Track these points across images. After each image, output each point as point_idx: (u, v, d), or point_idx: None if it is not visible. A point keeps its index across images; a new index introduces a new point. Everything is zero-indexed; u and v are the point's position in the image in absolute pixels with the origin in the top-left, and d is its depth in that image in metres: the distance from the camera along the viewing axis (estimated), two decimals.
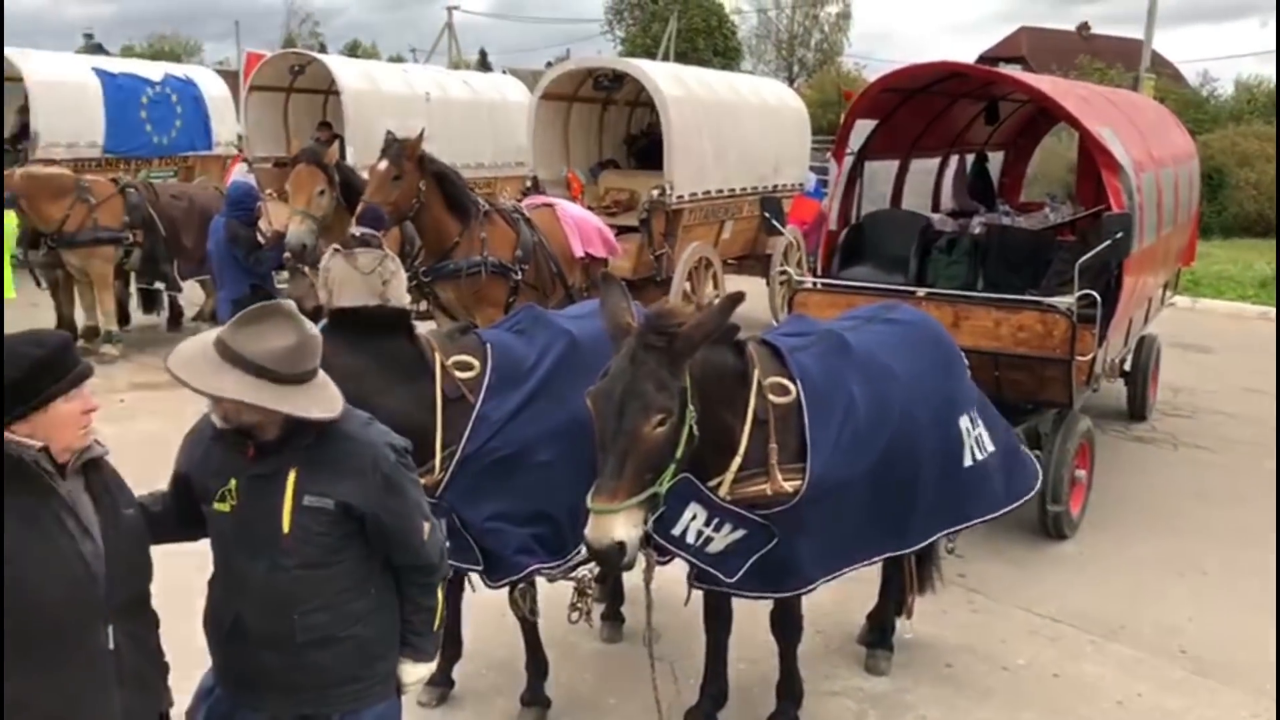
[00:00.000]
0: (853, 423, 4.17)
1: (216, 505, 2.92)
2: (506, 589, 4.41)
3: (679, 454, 3.56)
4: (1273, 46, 55.15)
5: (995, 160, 11.04)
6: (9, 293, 9.86)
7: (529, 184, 11.26)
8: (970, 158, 10.40)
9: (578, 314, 4.95)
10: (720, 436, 3.86)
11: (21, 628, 2.50)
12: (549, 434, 4.27)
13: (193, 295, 12.33)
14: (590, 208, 10.62)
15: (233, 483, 2.90)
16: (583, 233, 9.00)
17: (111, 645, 2.65)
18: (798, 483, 3.98)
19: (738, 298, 3.69)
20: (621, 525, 3.42)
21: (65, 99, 15.62)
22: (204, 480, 2.96)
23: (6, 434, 2.54)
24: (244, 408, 2.81)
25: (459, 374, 4.24)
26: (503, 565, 4.25)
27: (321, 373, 2.96)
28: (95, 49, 47.90)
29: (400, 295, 7.23)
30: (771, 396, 4.04)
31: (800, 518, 4.01)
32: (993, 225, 8.14)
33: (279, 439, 2.88)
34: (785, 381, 4.10)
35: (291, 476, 2.86)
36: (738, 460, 3.94)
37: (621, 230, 10.53)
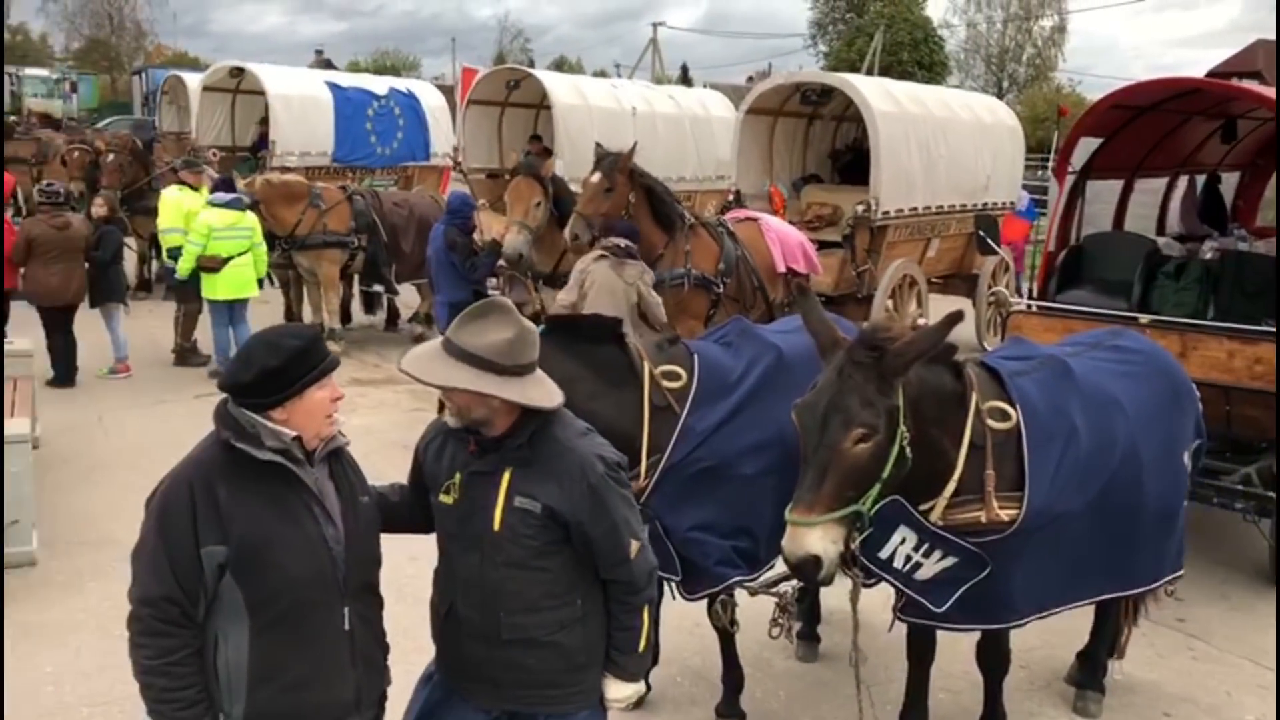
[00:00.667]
0: (1074, 453, 3.99)
1: (442, 497, 3.07)
2: (705, 600, 4.43)
3: (885, 474, 3.48)
4: None
5: (1228, 181, 10.33)
6: (252, 291, 10.53)
7: (731, 197, 11.29)
8: (1201, 179, 9.77)
9: (784, 329, 4.93)
10: (934, 460, 3.76)
11: (275, 604, 2.70)
12: (754, 447, 4.27)
13: (409, 298, 12.95)
14: (793, 222, 10.55)
15: (457, 476, 3.04)
16: (786, 248, 8.95)
17: (347, 626, 2.83)
18: (1014, 512, 3.84)
19: (956, 317, 3.58)
20: (818, 539, 3.37)
21: (301, 111, 16.71)
22: (435, 472, 3.12)
23: (264, 421, 2.74)
24: (472, 401, 2.94)
25: (667, 384, 4.29)
26: (703, 576, 4.27)
27: (539, 369, 3.05)
28: (325, 64, 50.96)
29: (656, 313, 7.37)
30: (990, 421, 3.91)
31: (1015, 549, 3.86)
32: (1227, 250, 7.61)
33: (500, 437, 2.99)
34: (1005, 406, 3.96)
35: (506, 476, 2.96)
36: (952, 485, 3.82)
37: (823, 245, 10.42)
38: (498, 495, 2.95)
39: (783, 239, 9.02)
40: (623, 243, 7.39)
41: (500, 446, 2.99)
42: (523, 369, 2.97)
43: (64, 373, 9.82)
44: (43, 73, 53.27)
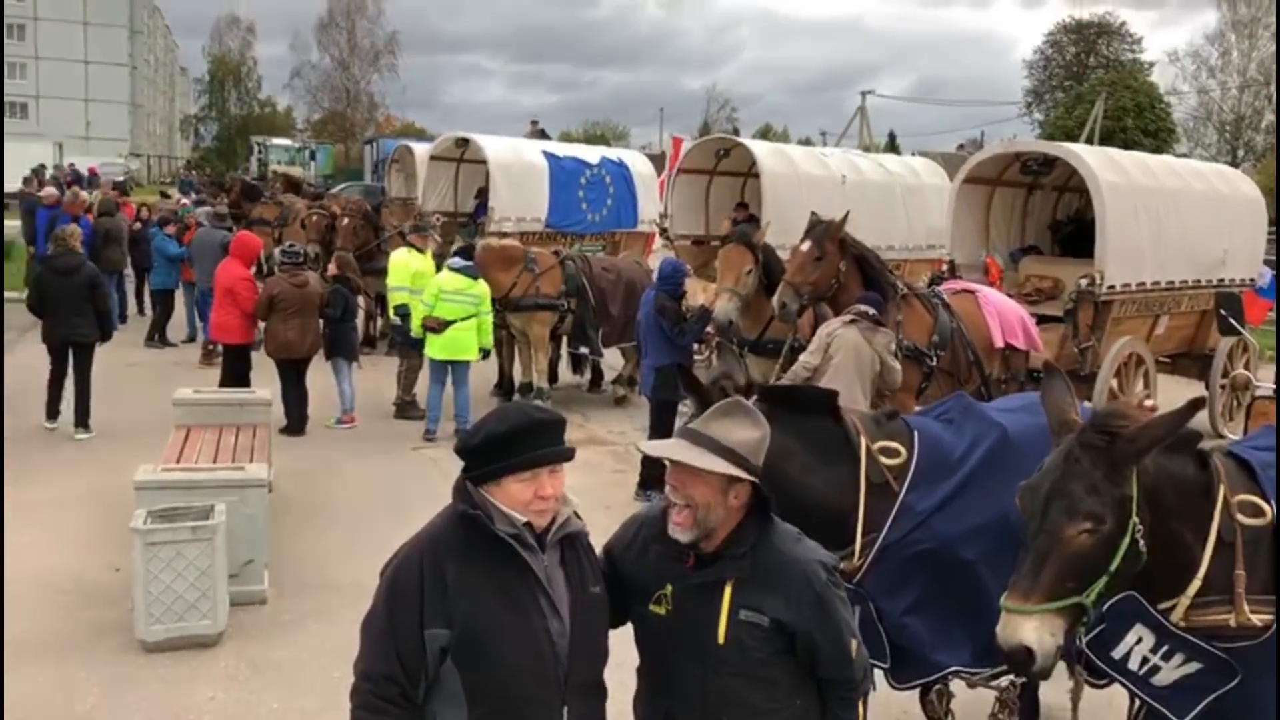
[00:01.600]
0: None
1: (652, 608, 2.96)
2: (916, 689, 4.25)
3: (1114, 566, 3.25)
4: None
5: None
6: (471, 354, 10.79)
7: (945, 268, 11.02)
8: None
9: (1009, 407, 4.73)
10: (1175, 555, 3.49)
11: (493, 695, 2.67)
12: (975, 531, 4.09)
13: (613, 360, 13.19)
14: (1010, 294, 10.18)
15: (668, 588, 2.93)
16: (1004, 322, 8.64)
17: None
18: (1268, 617, 3.51)
19: (1198, 403, 3.37)
20: (1033, 629, 3.17)
21: (519, 179, 17.45)
22: (641, 581, 2.99)
23: (495, 502, 2.70)
24: (714, 499, 2.84)
25: (884, 460, 4.17)
26: (917, 664, 4.10)
27: None
28: (540, 134, 53.47)
29: (893, 382, 7.29)
30: (1240, 516, 3.60)
31: (1271, 657, 3.52)
32: None
33: (718, 550, 2.91)
34: (1258, 501, 3.64)
35: (728, 590, 2.86)
36: (1196, 584, 3.53)
37: (1042, 320, 9.99)
38: (720, 608, 2.86)
39: (1001, 312, 8.71)
40: (870, 310, 7.32)
41: (719, 558, 2.90)
42: (758, 470, 2.91)
43: (296, 422, 10.47)
44: (286, 142, 57.94)
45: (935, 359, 8.24)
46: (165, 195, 26.66)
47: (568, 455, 2.78)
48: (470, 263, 10.87)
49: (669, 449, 2.91)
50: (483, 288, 10.75)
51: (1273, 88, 50.78)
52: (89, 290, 10.14)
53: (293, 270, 10.65)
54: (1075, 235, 11.57)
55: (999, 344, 8.59)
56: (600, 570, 2.93)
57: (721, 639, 2.84)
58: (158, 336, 14.98)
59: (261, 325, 10.56)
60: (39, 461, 9.12)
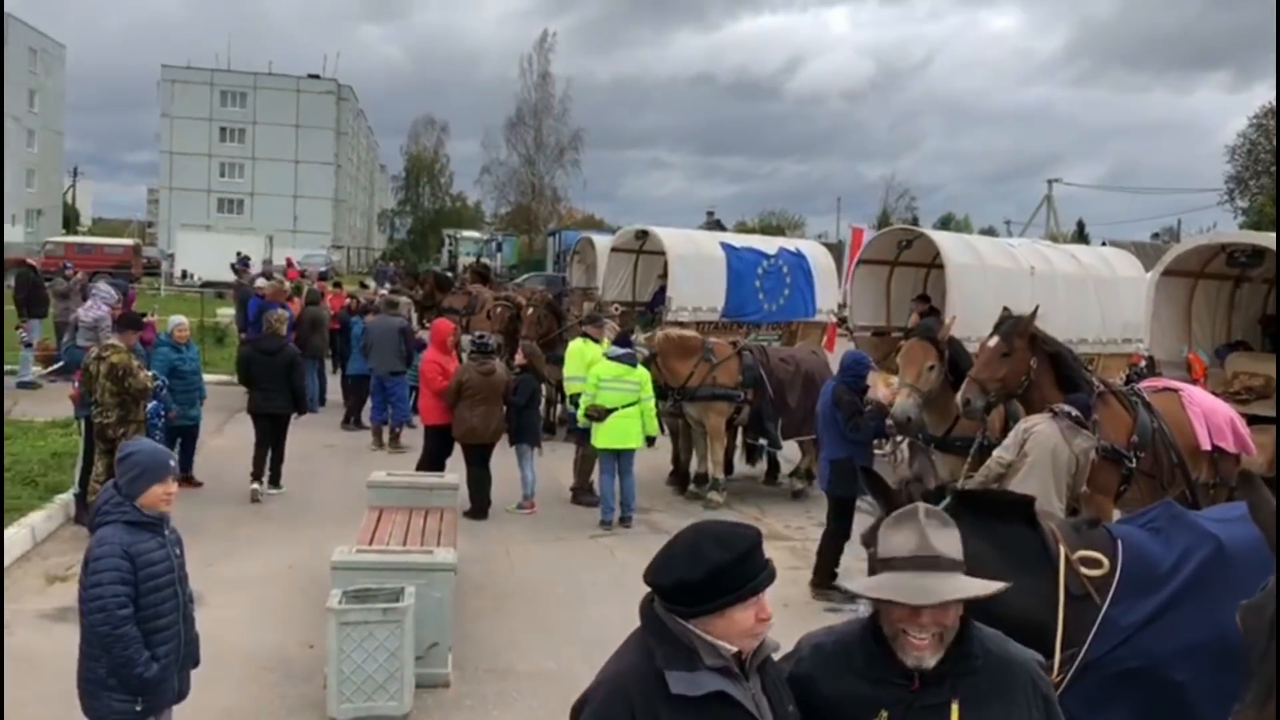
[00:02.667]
0: None
1: None
2: None
3: None
4: None
5: None
6: (635, 443, 10.96)
7: (1143, 364, 10.49)
8: None
9: (1225, 516, 4.42)
10: None
11: None
12: (1187, 650, 3.82)
13: (790, 452, 13.05)
14: (1215, 393, 9.58)
15: (883, 714, 2.67)
16: (1211, 423, 8.12)
17: None
18: None
19: None
20: None
21: (696, 269, 17.73)
22: (844, 711, 2.72)
23: (697, 631, 2.49)
24: (955, 616, 2.65)
25: (1085, 571, 3.96)
26: None
27: None
28: (715, 224, 54.39)
29: (1084, 482, 7.04)
30: None
31: None
32: None
33: (941, 668, 2.66)
34: None
35: (955, 709, 2.64)
36: None
37: (1254, 420, 9.34)
38: None
39: (1208, 412, 8.20)
40: (1074, 411, 7.06)
41: (945, 676, 2.64)
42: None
43: (480, 506, 10.75)
44: (475, 234, 60.69)
45: (1135, 461, 7.80)
46: (364, 285, 28.25)
47: (771, 575, 2.57)
48: (628, 350, 10.99)
49: (900, 591, 2.63)
50: (642, 374, 10.87)
51: None
52: (287, 369, 11.42)
53: (481, 359, 11.06)
54: None
55: (1206, 446, 8.06)
56: (790, 692, 2.70)
57: None
58: (353, 420, 15.72)
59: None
60: (244, 538, 9.67)
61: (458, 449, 11.03)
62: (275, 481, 11.45)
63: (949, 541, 2.70)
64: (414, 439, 13.72)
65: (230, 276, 30.72)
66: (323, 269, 42.65)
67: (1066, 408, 7.04)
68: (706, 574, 2.45)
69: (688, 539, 2.56)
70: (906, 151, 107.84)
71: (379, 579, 6.34)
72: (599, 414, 10.65)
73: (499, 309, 16.50)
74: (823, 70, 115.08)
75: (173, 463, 4.49)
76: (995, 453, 7.17)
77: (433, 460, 10.84)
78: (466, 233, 60.15)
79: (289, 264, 40.56)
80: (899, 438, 9.42)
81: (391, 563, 6.63)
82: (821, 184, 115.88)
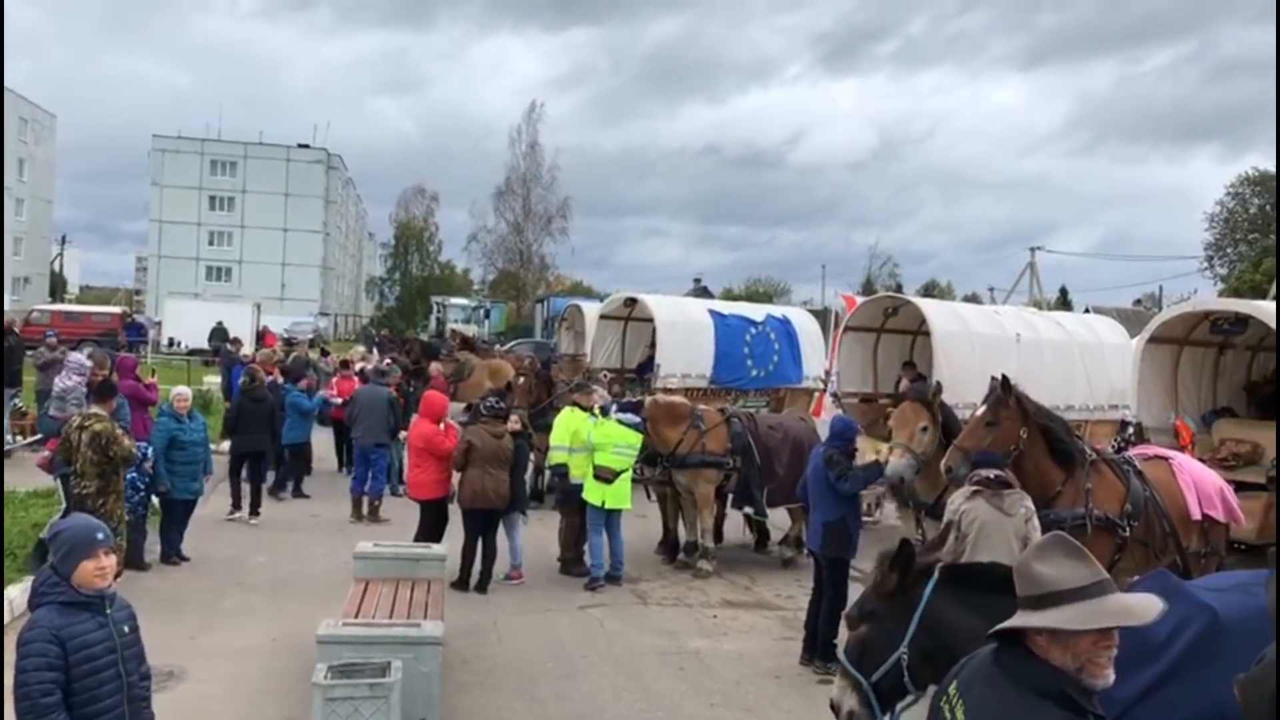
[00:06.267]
0: None
1: None
2: None
3: None
4: None
5: None
6: (627, 504, 11.16)
7: (1130, 431, 10.52)
8: None
9: (1219, 586, 4.40)
10: None
11: None
12: None
13: (779, 519, 12.97)
14: (1202, 459, 9.61)
15: None
16: (1201, 492, 8.12)
17: None
18: None
19: None
20: None
21: (685, 337, 17.83)
22: None
23: None
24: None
25: None
26: None
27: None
28: (702, 291, 54.75)
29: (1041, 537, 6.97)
30: None
31: None
32: None
33: None
34: None
35: None
36: None
37: (1241, 487, 9.37)
38: None
39: (1198, 481, 8.20)
40: (993, 473, 7.04)
41: None
42: None
43: (482, 577, 10.56)
44: (463, 301, 60.93)
45: (1129, 529, 7.79)
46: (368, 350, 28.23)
47: None
48: (640, 419, 11.31)
49: (1133, 610, 2.84)
50: (640, 439, 11.26)
51: None
52: (270, 415, 13.67)
53: (492, 422, 10.97)
54: (1274, 397, 10.91)
55: (1196, 515, 8.06)
56: None
57: None
58: (290, 487, 15.10)
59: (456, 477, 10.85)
60: (227, 610, 9.52)
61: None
62: (255, 511, 13.22)
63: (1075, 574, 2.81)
64: (392, 510, 13.62)
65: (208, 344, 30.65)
66: (310, 336, 42.58)
67: (981, 472, 6.99)
68: None
69: None
70: (903, 220, 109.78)
71: (365, 653, 6.24)
72: (611, 475, 10.89)
73: (522, 380, 16.18)
74: (826, 141, 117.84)
75: (101, 536, 4.23)
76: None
77: (431, 535, 10.66)
78: (454, 300, 60.37)
79: (265, 332, 40.42)
80: (886, 502, 9.36)
81: (378, 636, 6.53)
82: (817, 252, 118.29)
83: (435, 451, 10.91)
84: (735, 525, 13.32)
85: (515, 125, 68.51)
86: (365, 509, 13.97)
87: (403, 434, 14.16)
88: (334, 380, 17.56)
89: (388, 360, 20.95)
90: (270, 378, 15.44)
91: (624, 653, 8.80)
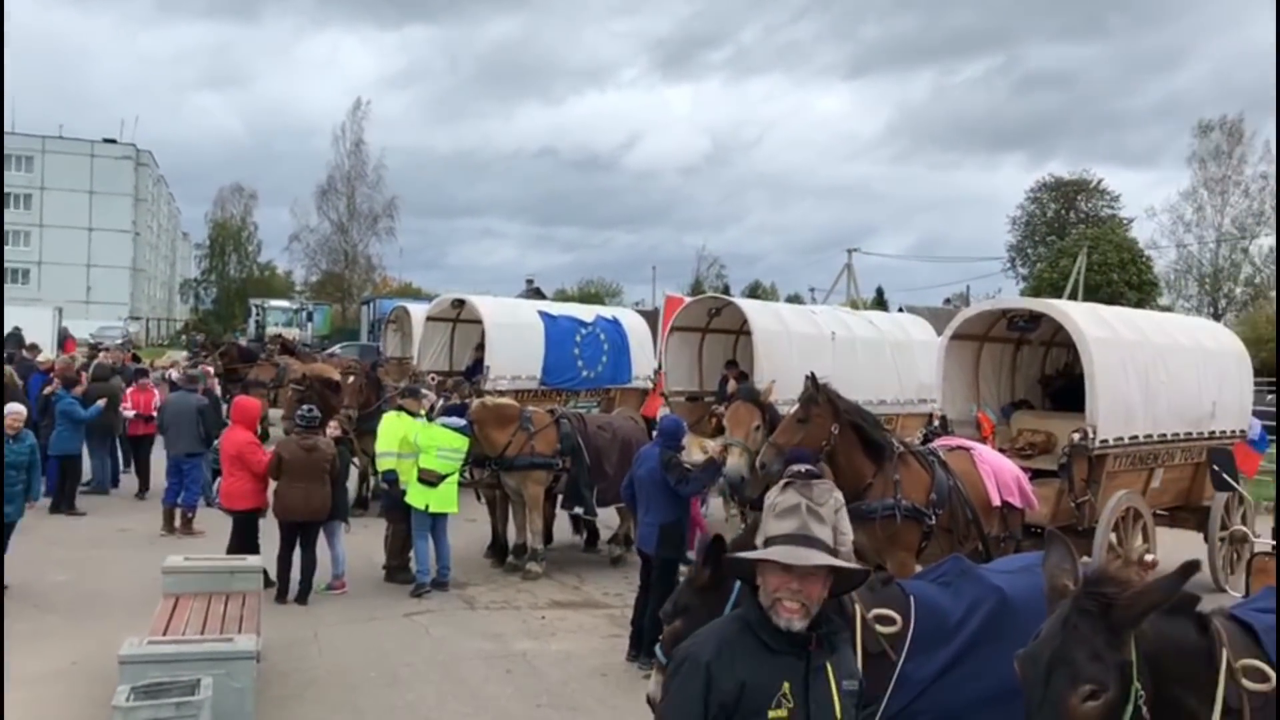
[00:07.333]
0: None
1: (772, 714, 3.05)
2: None
3: None
4: None
5: None
6: (453, 508, 11.02)
7: (936, 423, 11.07)
8: None
9: (1008, 568, 4.70)
10: None
11: None
12: (979, 700, 4.03)
13: (608, 518, 13.06)
14: (1002, 449, 10.21)
15: (786, 686, 3.05)
16: (1000, 480, 8.63)
17: None
18: None
19: (1193, 567, 3.33)
20: None
21: (514, 338, 17.74)
22: (755, 693, 3.06)
23: None
24: (816, 600, 3.11)
25: (881, 629, 4.12)
26: None
27: None
28: (535, 293, 54.53)
29: (848, 528, 7.21)
30: (1246, 682, 3.53)
31: None
32: None
33: (817, 633, 3.13)
34: (1263, 666, 3.57)
35: (829, 668, 3.13)
36: None
37: (1037, 474, 10.00)
38: (831, 687, 3.10)
39: (997, 470, 8.71)
40: (803, 467, 7.28)
41: (818, 640, 3.13)
42: None
43: (302, 589, 10.27)
44: (284, 304, 58.85)
45: (934, 518, 8.19)
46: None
47: None
48: (466, 422, 11.16)
49: (805, 557, 3.12)
50: (466, 442, 11.17)
51: (1248, 241, 52.16)
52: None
53: (304, 434, 10.63)
54: (1066, 390, 11.68)
55: (996, 502, 8.56)
56: None
57: (839, 715, 3.11)
58: (64, 507, 14.07)
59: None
60: (21, 634, 8.89)
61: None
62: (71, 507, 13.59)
63: (824, 531, 3.23)
64: (207, 522, 13.05)
65: None
66: (120, 341, 40.31)
67: (795, 467, 7.28)
68: None
69: None
70: (733, 223, 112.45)
71: (172, 672, 5.97)
72: (436, 479, 10.70)
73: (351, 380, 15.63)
74: (661, 146, 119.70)
75: None
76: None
77: (245, 547, 10.26)
78: (275, 302, 58.21)
79: (65, 335, 37.91)
80: (710, 498, 9.57)
81: (186, 654, 6.26)
82: (650, 253, 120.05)
83: (248, 462, 10.49)
84: (565, 526, 13.36)
85: (339, 123, 66.49)
86: (178, 521, 13.33)
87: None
88: (129, 392, 15.78)
89: (199, 366, 20.04)
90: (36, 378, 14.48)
91: (450, 658, 8.69)
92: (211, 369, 19.52)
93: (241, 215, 71.53)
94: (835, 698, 3.09)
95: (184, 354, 29.00)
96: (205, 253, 72.83)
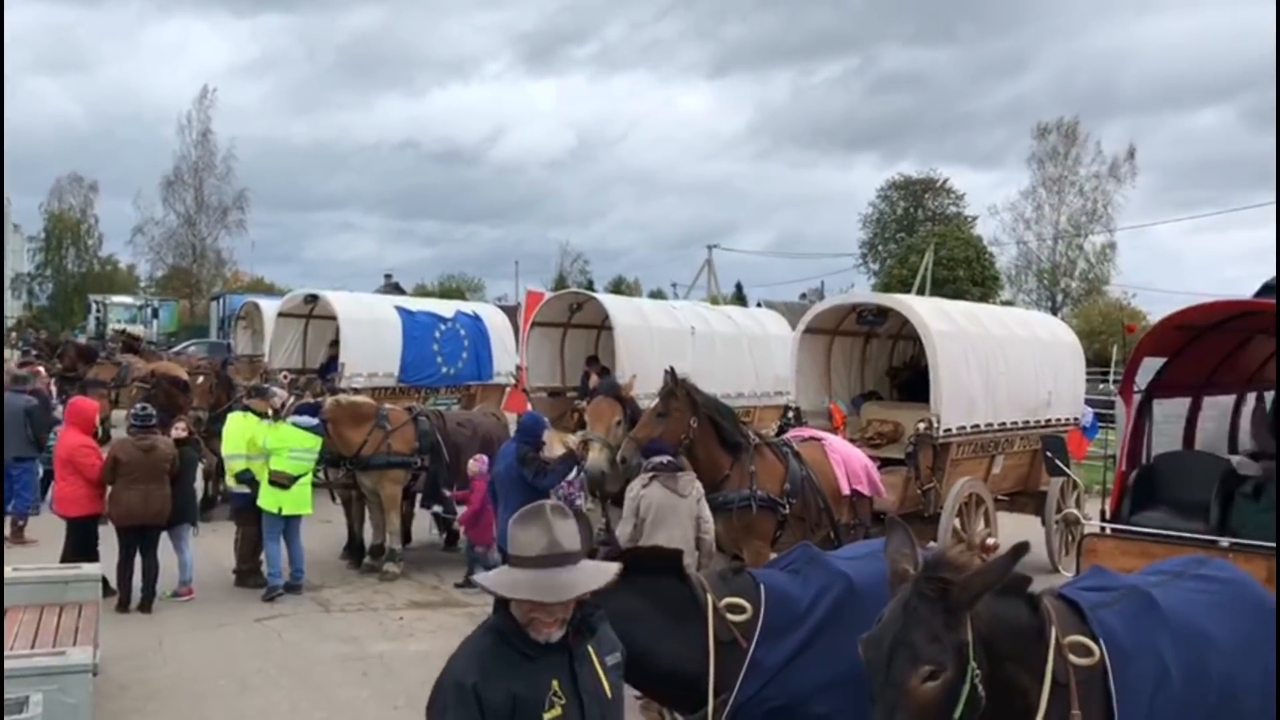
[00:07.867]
0: (1166, 694, 3.77)
1: (547, 715, 3.07)
2: None
3: (957, 713, 3.29)
4: None
5: None
6: (307, 509, 10.73)
7: (790, 415, 11.32)
8: (1269, 394, 9.65)
9: (854, 555, 4.83)
10: (1014, 699, 3.57)
11: None
12: (826, 684, 4.12)
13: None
14: (853, 439, 10.53)
15: (555, 684, 3.08)
16: (850, 469, 8.90)
17: None
18: None
19: (1023, 548, 3.49)
20: None
21: (370, 334, 17.33)
22: (526, 704, 3.06)
23: None
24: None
25: (732, 617, 4.18)
26: None
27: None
28: (394, 288, 53.35)
29: (709, 515, 7.32)
30: (1072, 657, 3.73)
31: None
32: None
33: (572, 619, 3.15)
34: (1087, 641, 3.78)
35: (591, 649, 3.20)
36: None
37: (886, 463, 10.34)
38: (596, 668, 3.19)
39: (847, 460, 8.97)
40: (665, 459, 7.39)
41: (576, 628, 3.17)
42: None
43: (146, 596, 9.85)
44: (127, 299, 56.14)
45: (788, 507, 8.39)
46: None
47: None
48: (318, 421, 10.85)
49: (541, 590, 3.04)
50: (319, 442, 10.89)
51: (1083, 238, 55.07)
52: None
53: (141, 434, 10.15)
54: (912, 381, 12.10)
55: (846, 491, 8.82)
56: None
57: (609, 692, 3.20)
58: None
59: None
60: None
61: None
62: None
63: (571, 535, 3.12)
64: (39, 530, 12.35)
65: None
66: None
67: (655, 459, 7.42)
68: None
69: None
70: (597, 218, 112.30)
71: None
72: (288, 481, 10.40)
73: (134, 391, 14.96)
74: (525, 140, 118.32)
75: None
76: (617, 529, 7.46)
77: (81, 554, 9.72)
78: (117, 298, 55.47)
79: None
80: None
81: (14, 669, 5.89)
82: (514, 248, 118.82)
83: (81, 466, 9.95)
84: (423, 525, 13.16)
85: (185, 111, 63.64)
86: (8, 530, 12.59)
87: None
88: None
89: (28, 366, 18.93)
90: None
91: (303, 663, 8.47)
92: (42, 369, 18.44)
93: (81, 207, 67.83)
94: (602, 677, 3.18)
95: (16, 354, 27.32)
96: (39, 246, 68.82)
